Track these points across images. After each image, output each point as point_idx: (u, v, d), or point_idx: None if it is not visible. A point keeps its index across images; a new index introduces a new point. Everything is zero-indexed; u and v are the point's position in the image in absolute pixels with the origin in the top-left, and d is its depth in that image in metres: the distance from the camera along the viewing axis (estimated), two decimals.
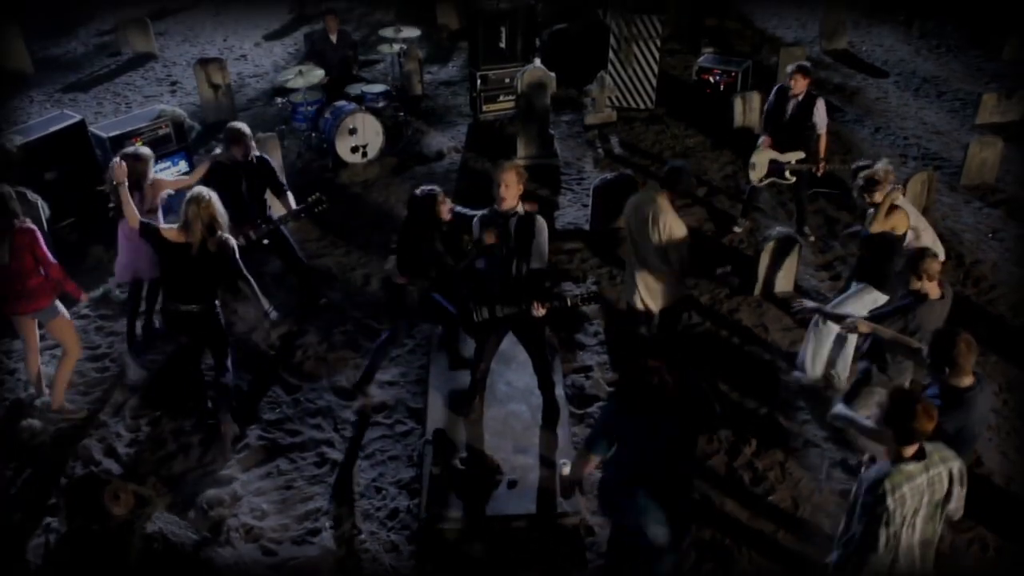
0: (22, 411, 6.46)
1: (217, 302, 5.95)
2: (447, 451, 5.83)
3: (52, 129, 8.82)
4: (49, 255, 6.02)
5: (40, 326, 6.43)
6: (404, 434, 6.31)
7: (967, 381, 4.33)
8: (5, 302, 6.04)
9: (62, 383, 6.42)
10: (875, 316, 5.35)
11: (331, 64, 10.92)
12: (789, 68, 8.06)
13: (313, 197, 6.91)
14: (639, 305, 6.35)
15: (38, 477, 5.91)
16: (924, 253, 5.13)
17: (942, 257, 6.48)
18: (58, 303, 6.21)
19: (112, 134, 9.05)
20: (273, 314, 6.47)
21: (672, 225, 5.99)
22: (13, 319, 6.21)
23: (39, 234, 5.99)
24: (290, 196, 7.27)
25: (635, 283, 6.31)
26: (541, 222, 5.60)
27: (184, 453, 6.13)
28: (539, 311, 5.45)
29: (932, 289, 5.14)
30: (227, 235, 5.72)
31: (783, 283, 7.84)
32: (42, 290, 6.04)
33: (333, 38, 11.05)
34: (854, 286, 6.44)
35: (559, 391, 6.42)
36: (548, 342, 6.95)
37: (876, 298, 6.18)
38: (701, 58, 12.15)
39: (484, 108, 11.38)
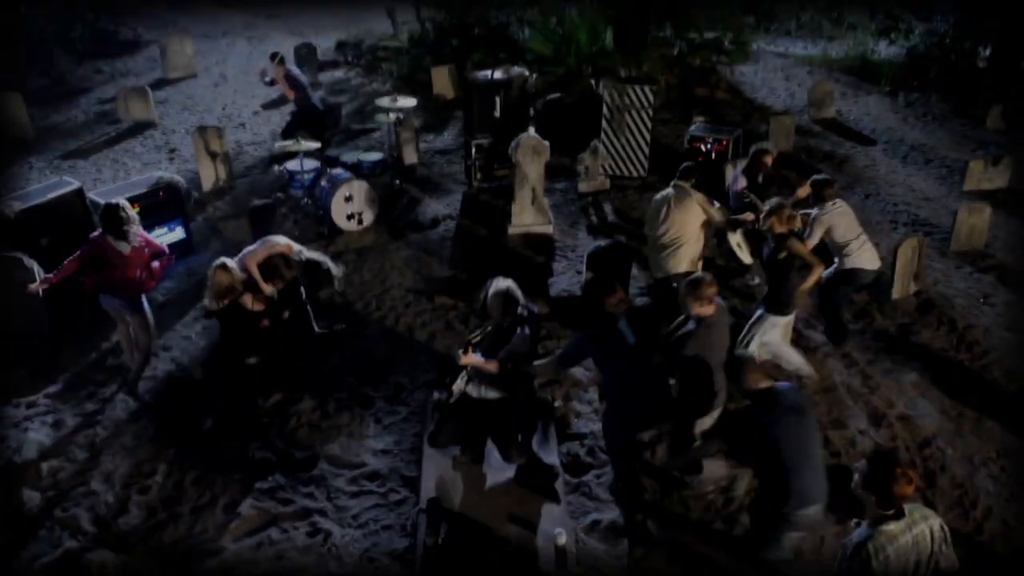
0: (14, 479, 6.39)
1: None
2: (441, 520, 5.75)
3: (51, 196, 8.90)
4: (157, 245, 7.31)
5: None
6: (398, 503, 6.23)
7: (709, 310, 5.64)
8: (113, 286, 7.03)
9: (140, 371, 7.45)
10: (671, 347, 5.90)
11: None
12: (752, 150, 8.76)
13: (339, 327, 7.85)
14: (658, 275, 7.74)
15: (27, 547, 5.81)
16: (702, 279, 5.78)
17: (877, 265, 7.60)
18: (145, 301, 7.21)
19: (111, 201, 9.11)
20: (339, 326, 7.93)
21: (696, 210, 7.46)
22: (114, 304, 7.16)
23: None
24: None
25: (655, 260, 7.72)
26: (521, 334, 5.79)
27: (174, 522, 6.04)
28: (465, 359, 5.76)
29: (707, 310, 5.72)
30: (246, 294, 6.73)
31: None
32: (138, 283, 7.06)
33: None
34: (757, 312, 7.10)
35: (554, 459, 6.40)
36: (544, 407, 6.97)
37: (774, 321, 6.90)
38: (692, 127, 12.34)
39: (478, 176, 11.52)
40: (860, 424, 7.02)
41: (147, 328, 7.23)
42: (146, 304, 7.19)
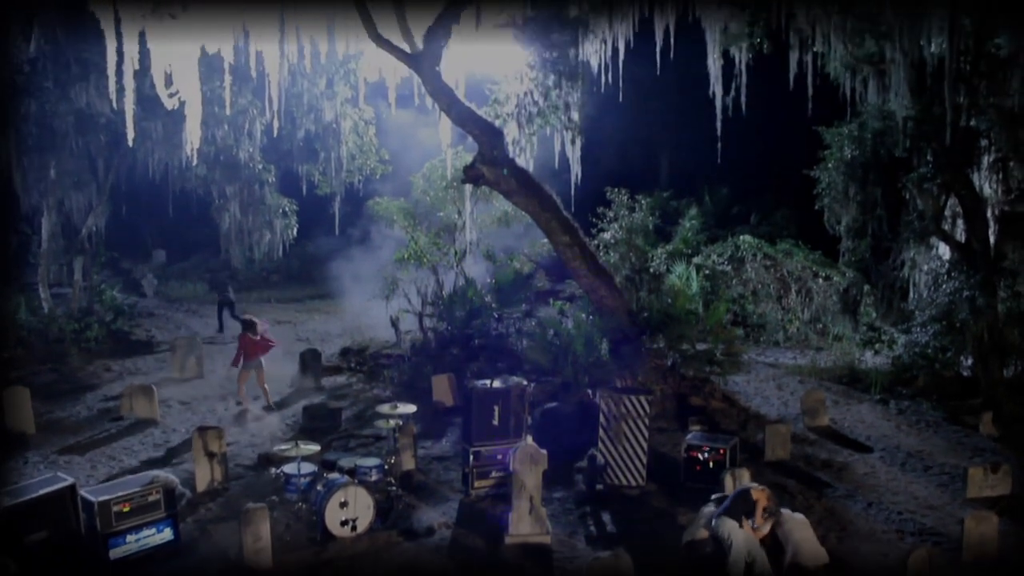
0: None
1: None
2: None
3: (42, 491, 8.83)
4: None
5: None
6: None
7: None
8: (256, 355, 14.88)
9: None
10: None
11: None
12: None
13: None
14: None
15: None
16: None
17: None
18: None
19: (102, 498, 9.05)
20: None
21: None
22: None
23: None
24: None
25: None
26: None
27: None
28: None
29: None
30: None
31: None
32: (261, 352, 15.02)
33: None
34: None
35: None
36: None
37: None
38: (689, 436, 12.44)
39: (476, 484, 11.45)
40: None
41: (262, 372, 15.04)
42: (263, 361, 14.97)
